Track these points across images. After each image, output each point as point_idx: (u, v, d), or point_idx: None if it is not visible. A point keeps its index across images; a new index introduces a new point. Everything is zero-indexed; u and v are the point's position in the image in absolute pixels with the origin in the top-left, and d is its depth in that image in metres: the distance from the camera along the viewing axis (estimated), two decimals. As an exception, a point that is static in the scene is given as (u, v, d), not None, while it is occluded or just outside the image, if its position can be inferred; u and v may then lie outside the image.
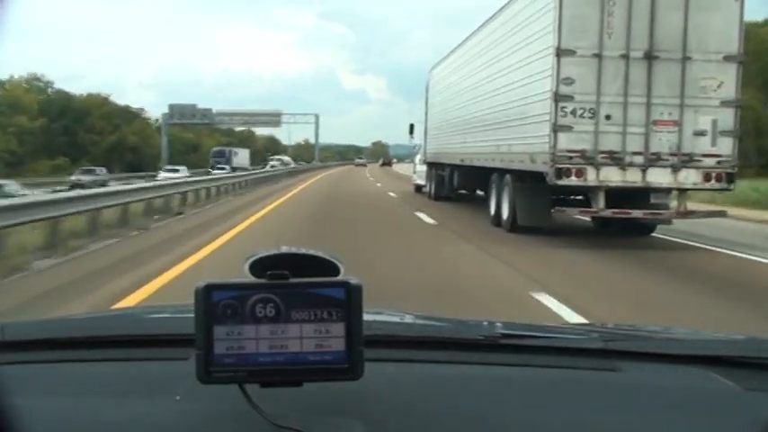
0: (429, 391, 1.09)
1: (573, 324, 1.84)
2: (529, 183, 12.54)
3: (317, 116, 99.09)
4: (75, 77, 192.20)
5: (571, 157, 10.73)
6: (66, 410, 1.02)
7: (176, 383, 1.04)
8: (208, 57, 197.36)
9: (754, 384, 1.15)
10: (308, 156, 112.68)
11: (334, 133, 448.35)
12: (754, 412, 1.04)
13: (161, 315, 1.62)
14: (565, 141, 10.72)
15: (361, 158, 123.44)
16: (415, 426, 0.99)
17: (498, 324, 1.34)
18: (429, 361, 1.20)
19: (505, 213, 13.21)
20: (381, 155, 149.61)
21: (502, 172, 13.67)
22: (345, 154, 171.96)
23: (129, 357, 1.22)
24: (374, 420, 0.97)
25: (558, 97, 10.69)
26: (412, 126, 28.76)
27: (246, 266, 0.93)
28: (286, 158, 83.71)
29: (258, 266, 0.92)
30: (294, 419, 0.91)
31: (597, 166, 10.76)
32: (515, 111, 12.59)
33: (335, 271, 0.95)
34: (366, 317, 0.91)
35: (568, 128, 10.72)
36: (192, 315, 0.89)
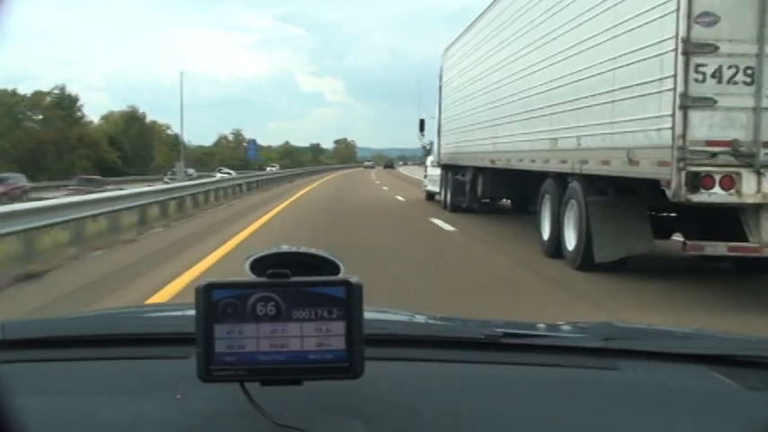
0: (430, 390, 1.10)
1: (574, 323, 1.51)
2: (612, 195, 8.00)
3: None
4: (26, 78, 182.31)
5: (714, 154, 6.14)
6: (66, 409, 1.04)
7: (177, 382, 1.05)
8: (162, 58, 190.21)
9: (755, 383, 1.14)
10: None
11: (293, 134, 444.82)
12: (754, 411, 1.05)
13: (161, 314, 1.69)
14: (703, 126, 6.14)
15: (369, 162, 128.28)
16: (415, 425, 1.00)
17: (499, 323, 1.35)
18: (430, 360, 1.20)
19: (572, 242, 8.64)
20: (348, 156, 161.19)
21: (562, 178, 9.14)
22: (301, 158, 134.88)
23: (130, 356, 1.23)
24: (374, 419, 0.98)
25: (690, 48, 6.10)
26: (422, 122, 23.95)
27: (247, 265, 0.93)
28: None
29: (259, 265, 0.93)
30: (294, 418, 0.92)
31: (759, 170, 6.17)
32: (595, 81, 7.95)
33: (336, 270, 0.95)
34: (367, 315, 0.91)
35: (709, 102, 6.13)
36: (193, 314, 0.89)
